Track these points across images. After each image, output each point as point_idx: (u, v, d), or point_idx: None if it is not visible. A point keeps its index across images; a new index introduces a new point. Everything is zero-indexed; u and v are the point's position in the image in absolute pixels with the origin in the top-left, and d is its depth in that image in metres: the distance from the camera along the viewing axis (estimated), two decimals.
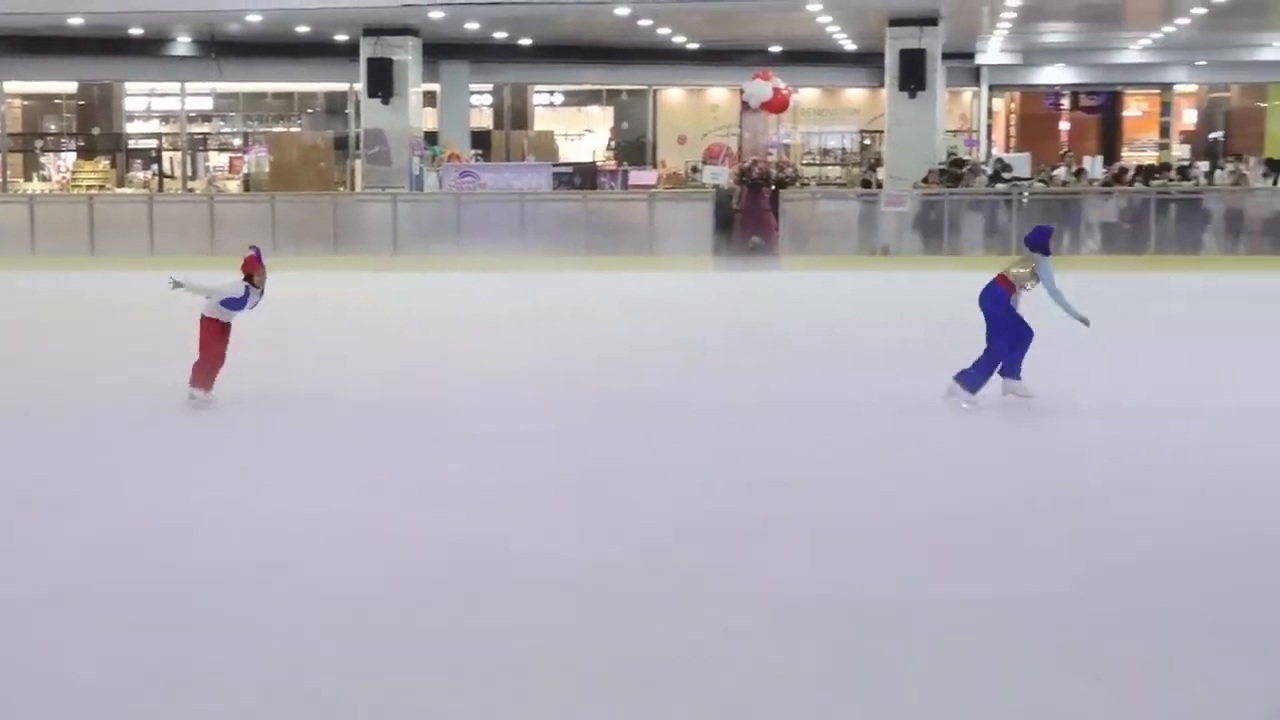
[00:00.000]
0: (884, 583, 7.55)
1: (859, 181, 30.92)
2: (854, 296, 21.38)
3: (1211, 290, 21.41)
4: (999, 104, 45.89)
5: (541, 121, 42.37)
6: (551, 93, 42.82)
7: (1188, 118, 46.59)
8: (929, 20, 28.13)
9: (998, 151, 38.92)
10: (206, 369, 12.42)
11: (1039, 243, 12.72)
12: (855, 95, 42.32)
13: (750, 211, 26.28)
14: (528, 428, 11.64)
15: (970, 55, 40.96)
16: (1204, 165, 30.34)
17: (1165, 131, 45.85)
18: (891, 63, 28.54)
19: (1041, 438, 11.58)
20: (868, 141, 40.79)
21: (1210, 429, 11.53)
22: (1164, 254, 24.99)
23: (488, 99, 41.16)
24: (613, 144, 41.89)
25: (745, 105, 29.27)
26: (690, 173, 32.81)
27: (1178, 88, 45.46)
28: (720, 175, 27.43)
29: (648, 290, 21.98)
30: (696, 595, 7.38)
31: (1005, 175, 27.79)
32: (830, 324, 18.37)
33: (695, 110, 41.84)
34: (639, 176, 30.26)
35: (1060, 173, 27.83)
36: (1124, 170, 29.35)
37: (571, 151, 39.37)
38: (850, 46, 36.45)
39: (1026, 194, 26.48)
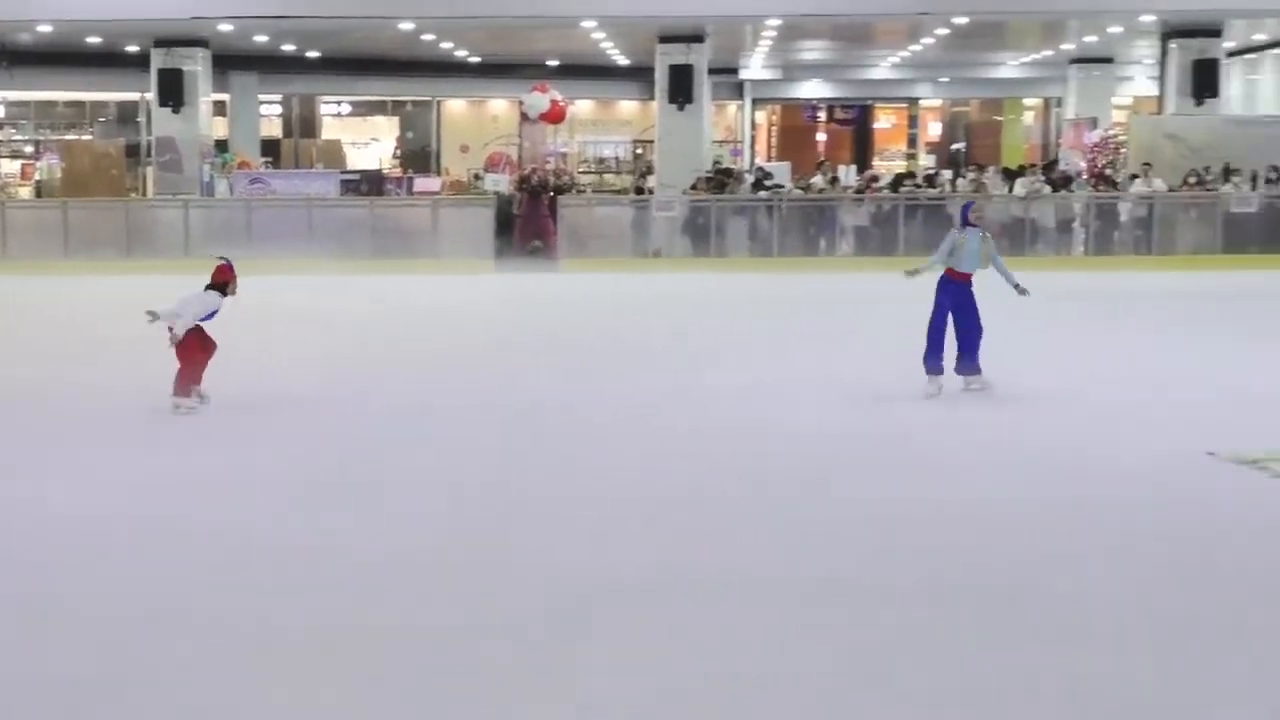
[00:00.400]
0: (646, 561, 8.23)
1: (633, 188, 31.65)
2: (629, 296, 21.94)
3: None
4: (761, 116, 47.12)
5: (329, 130, 42.31)
6: (339, 103, 42.79)
7: (933, 129, 48.39)
8: (696, 38, 28.99)
9: (760, 160, 40.03)
10: (186, 378, 12.28)
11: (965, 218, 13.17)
12: (628, 107, 43.12)
13: (530, 217, 26.73)
14: (309, 427, 11.82)
15: (735, 70, 42.00)
16: (948, 173, 31.63)
17: (913, 142, 47.60)
18: (661, 77, 29.31)
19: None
20: (640, 150, 41.52)
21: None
22: (912, 255, 26.10)
23: (277, 109, 41.00)
24: (398, 152, 42.03)
25: (524, 116, 29.73)
26: (472, 180, 33.08)
27: (923, 102, 47.22)
28: (501, 183, 27.81)
29: (430, 292, 22.22)
30: (472, 583, 7.59)
31: (767, 183, 28.73)
32: (605, 323, 18.89)
33: (477, 120, 42.21)
34: (423, 183, 30.47)
35: (817, 180, 28.78)
36: (875, 178, 30.60)
37: (359, 159, 39.37)
38: (623, 61, 37.17)
39: (785, 200, 27.47)
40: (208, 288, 12.43)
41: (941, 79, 44.95)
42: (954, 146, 46.74)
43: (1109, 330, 17.78)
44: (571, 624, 6.94)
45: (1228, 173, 26.76)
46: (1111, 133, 34.05)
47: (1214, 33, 28.76)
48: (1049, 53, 38.18)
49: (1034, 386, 13.47)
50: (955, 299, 12.88)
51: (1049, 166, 32.48)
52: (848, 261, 26.14)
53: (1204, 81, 28.65)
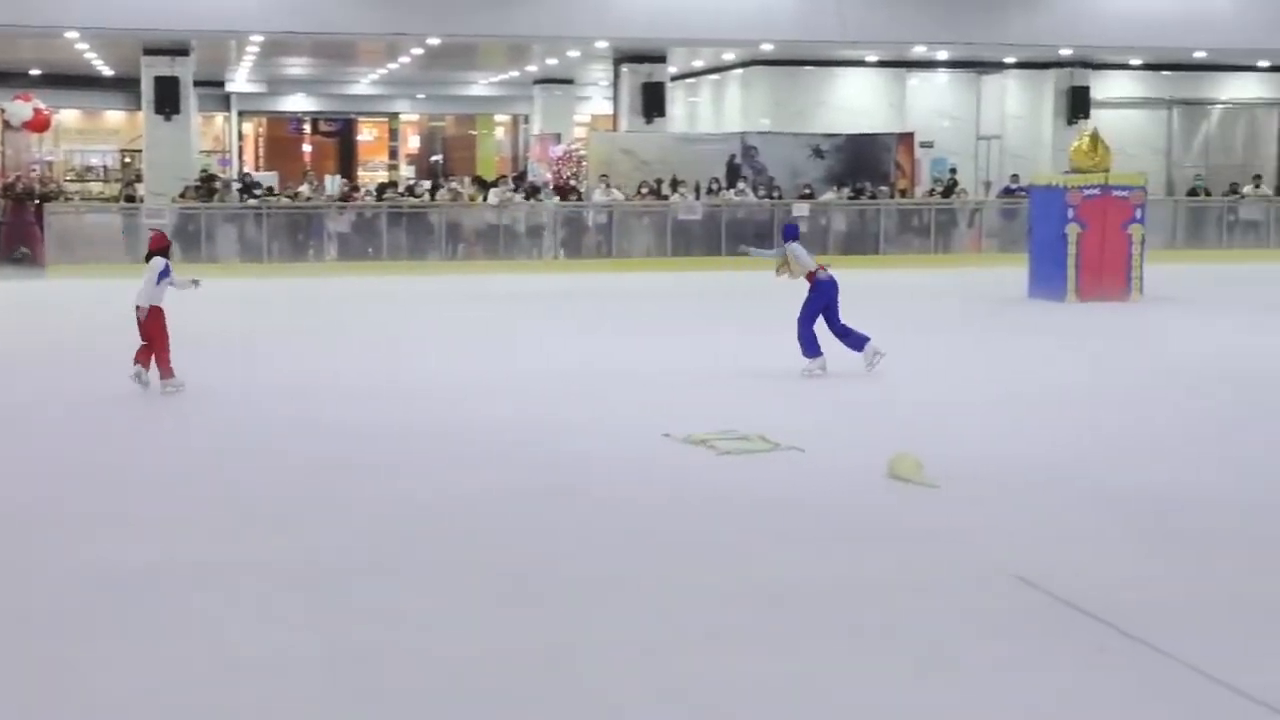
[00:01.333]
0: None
1: (121, 196, 30.17)
2: (118, 302, 20.88)
3: (441, 292, 22.68)
4: (249, 127, 45.96)
5: None
6: None
7: (412, 142, 48.57)
8: (180, 50, 27.92)
9: (248, 169, 39.01)
10: (168, 355, 12.59)
11: (792, 234, 14.54)
12: (115, 117, 41.09)
13: (15, 225, 25.11)
14: None
15: (221, 83, 40.78)
16: (427, 184, 31.80)
17: (394, 154, 47.62)
18: (147, 88, 28.06)
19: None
20: (128, 159, 39.66)
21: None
22: (396, 260, 26.16)
23: None
24: None
25: (7, 124, 27.82)
26: None
27: (403, 116, 47.31)
28: None
29: None
30: None
31: (255, 191, 28.04)
32: (93, 329, 17.96)
33: None
34: None
35: (304, 189, 28.36)
36: (357, 188, 30.42)
37: None
38: (108, 72, 35.33)
39: (273, 208, 26.89)
40: (149, 256, 12.81)
41: (419, 95, 45.16)
42: (433, 158, 47.07)
43: (579, 328, 18.32)
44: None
45: (675, 184, 28.13)
46: (574, 147, 35.15)
47: (660, 59, 30.18)
48: (516, 73, 38.99)
49: (510, 379, 13.74)
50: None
51: (519, 177, 33.23)
52: (331, 266, 25.90)
53: (652, 102, 30.01)
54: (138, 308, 12.77)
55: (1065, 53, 30.51)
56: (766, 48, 29.37)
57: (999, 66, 33.03)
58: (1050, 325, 18.53)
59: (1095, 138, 21.64)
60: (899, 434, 10.71)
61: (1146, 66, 33.74)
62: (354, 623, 6.68)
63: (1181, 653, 6.17)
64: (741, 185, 28.46)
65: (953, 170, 31.19)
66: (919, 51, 30.73)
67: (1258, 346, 16.24)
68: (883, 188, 29.25)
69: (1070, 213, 20.88)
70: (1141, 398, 12.92)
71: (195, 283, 13.34)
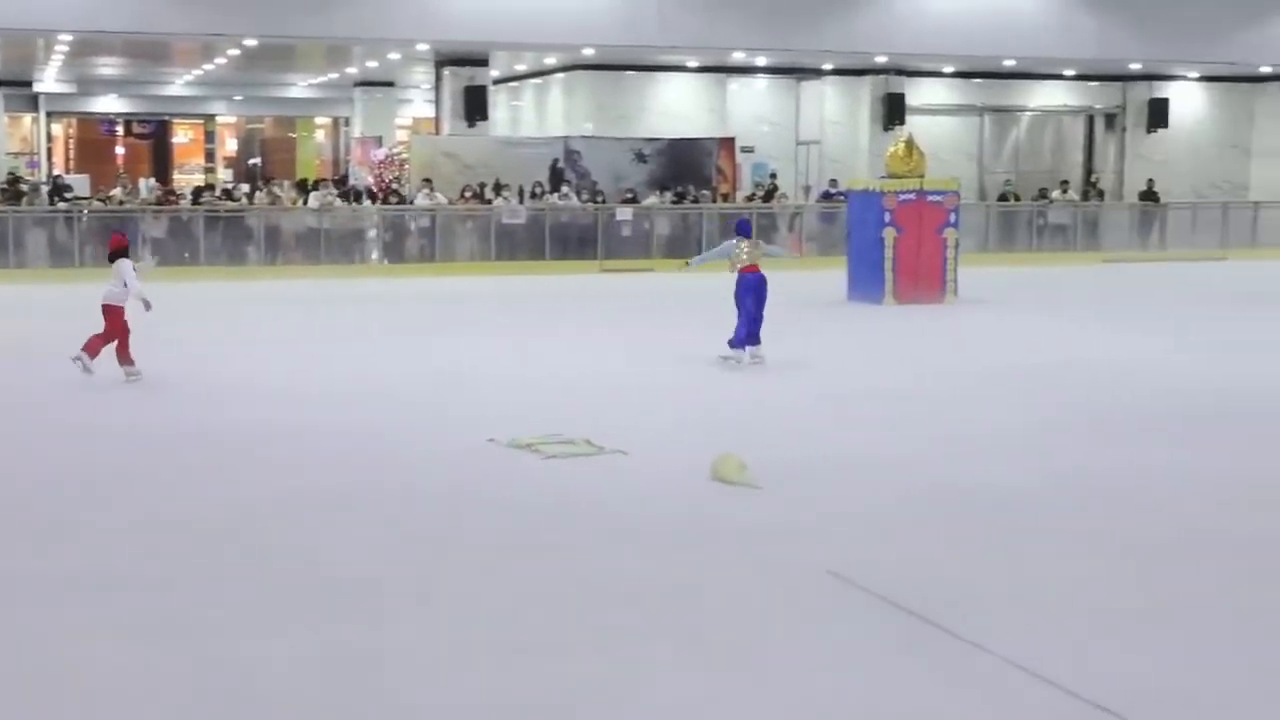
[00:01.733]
0: None
1: None
2: None
3: (260, 297, 22.28)
4: (58, 129, 44.64)
5: None
6: None
7: (230, 145, 47.67)
8: None
9: (58, 172, 37.86)
10: (127, 347, 13.57)
11: (745, 230, 15.65)
12: None
13: None
14: None
15: (29, 83, 39.54)
16: (245, 187, 31.25)
17: (210, 157, 46.69)
18: None
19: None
20: None
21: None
22: (214, 265, 25.61)
23: None
24: None
25: None
26: None
27: (220, 118, 46.44)
28: None
29: None
30: None
31: (66, 195, 27.23)
32: None
33: None
34: None
35: (117, 192, 27.63)
36: (173, 191, 29.72)
37: None
38: None
39: (86, 211, 26.15)
40: (114, 258, 13.79)
41: (236, 97, 44.37)
42: (251, 161, 46.26)
43: (402, 332, 18.15)
44: None
45: (498, 188, 28.05)
46: (396, 150, 34.87)
47: (482, 62, 30.09)
48: (336, 75, 38.53)
49: (329, 383, 13.59)
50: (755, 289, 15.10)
51: (340, 181, 32.84)
52: (149, 271, 25.17)
53: (475, 106, 29.89)
54: (105, 306, 13.61)
55: (881, 60, 31.21)
56: (588, 52, 29.49)
57: (817, 73, 33.65)
58: (869, 327, 18.93)
59: (910, 144, 22.14)
60: (723, 436, 10.84)
61: (959, 74, 34.70)
62: (134, 634, 6.55)
63: (993, 645, 6.37)
64: (565, 189, 28.52)
65: (773, 175, 31.67)
66: (739, 57, 31.14)
67: (1065, 346, 16.80)
68: (704, 192, 29.57)
69: (887, 217, 21.36)
70: (956, 397, 13.28)
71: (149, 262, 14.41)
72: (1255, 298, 23.04)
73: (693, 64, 32.47)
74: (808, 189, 32.94)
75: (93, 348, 13.49)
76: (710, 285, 23.99)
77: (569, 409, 12.34)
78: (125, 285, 13.62)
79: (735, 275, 15.31)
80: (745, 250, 15.33)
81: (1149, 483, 9.70)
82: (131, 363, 13.60)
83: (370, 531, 8.41)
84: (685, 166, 30.42)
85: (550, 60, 32.65)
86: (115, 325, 13.60)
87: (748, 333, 15.01)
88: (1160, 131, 35.78)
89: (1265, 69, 33.25)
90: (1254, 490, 9.55)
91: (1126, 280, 26.11)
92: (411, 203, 27.96)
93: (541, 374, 14.45)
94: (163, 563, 7.75)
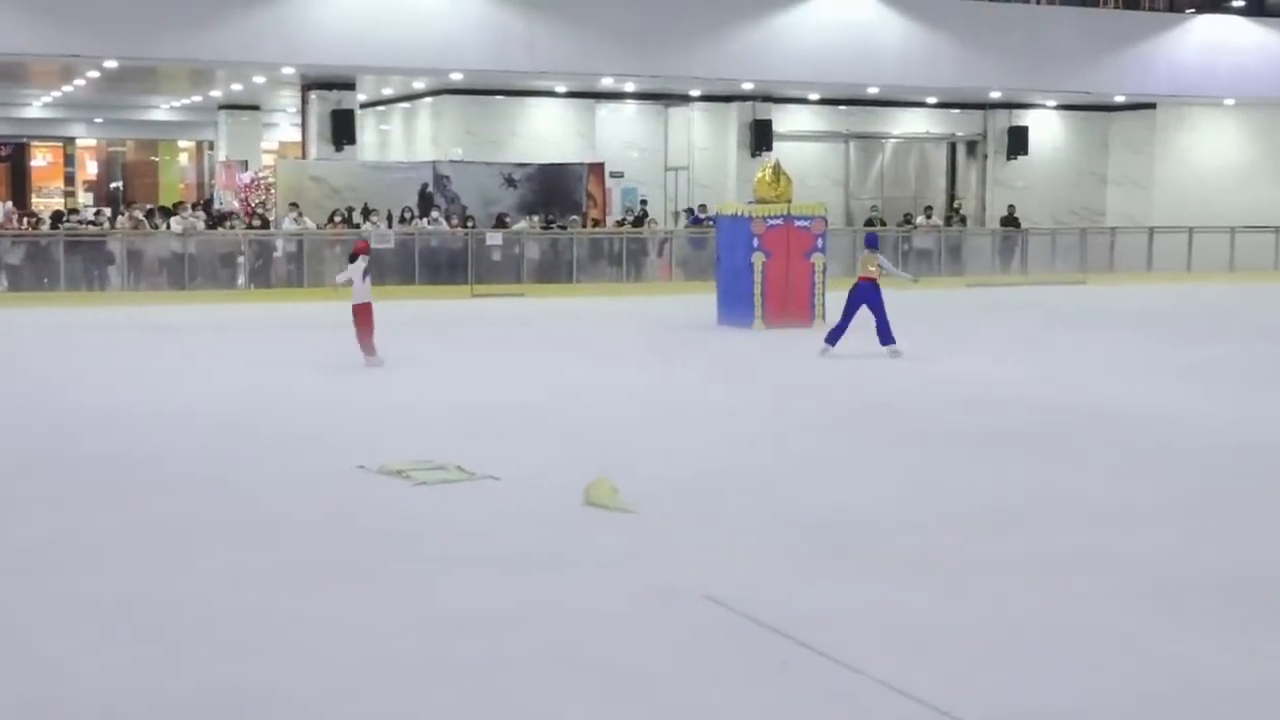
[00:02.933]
0: None
1: None
2: None
3: (121, 323, 21.86)
4: None
5: None
6: None
7: (90, 168, 46.74)
8: None
9: None
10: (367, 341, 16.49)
11: (873, 244, 18.77)
12: None
13: None
14: None
15: None
16: (108, 211, 30.67)
17: (70, 180, 45.72)
18: None
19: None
20: None
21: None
22: (74, 290, 25.09)
23: None
24: None
25: None
26: None
27: (80, 141, 45.50)
28: None
29: None
30: None
31: None
32: None
33: None
34: None
35: None
36: (31, 215, 29.05)
37: None
38: None
39: None
40: (351, 259, 16.93)
41: (97, 119, 43.53)
42: (112, 185, 45.40)
43: (270, 358, 17.92)
44: None
45: (367, 213, 27.85)
46: (262, 174, 34.46)
47: (349, 86, 29.89)
48: (199, 98, 37.98)
49: (194, 409, 13.37)
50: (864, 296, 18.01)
51: (205, 205, 32.36)
52: (5, 297, 24.65)
53: (342, 130, 29.68)
54: (355, 305, 16.56)
55: (748, 87, 31.60)
56: (457, 77, 29.45)
57: (685, 99, 33.95)
58: (739, 351, 19.11)
59: (777, 169, 22.44)
60: (597, 460, 10.87)
61: (824, 101, 35.24)
62: None
63: (863, 665, 6.47)
64: (435, 214, 28.41)
65: (643, 200, 31.88)
66: (608, 83, 31.30)
67: (926, 369, 17.12)
68: (574, 217, 29.66)
69: (756, 242, 21.60)
70: (820, 418, 13.45)
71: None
72: (1108, 319, 23.72)
73: (562, 89, 32.58)
74: (677, 214, 33.22)
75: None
76: (587, 308, 24.10)
77: (441, 434, 12.28)
78: (363, 281, 16.42)
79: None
80: (866, 262, 18.25)
81: (1002, 502, 9.92)
82: (374, 352, 16.39)
83: (230, 560, 8.28)
84: (555, 191, 30.51)
85: (419, 84, 32.54)
86: (363, 320, 16.33)
87: (880, 332, 18.01)
88: (1020, 158, 36.70)
89: (1119, 98, 34.30)
90: (1094, 510, 9.81)
91: (989, 303, 26.72)
92: (278, 227, 27.64)
93: (412, 399, 14.36)
94: (5, 593, 7.59)
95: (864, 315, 17.92)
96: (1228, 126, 36.22)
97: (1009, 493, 10.23)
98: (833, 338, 18.17)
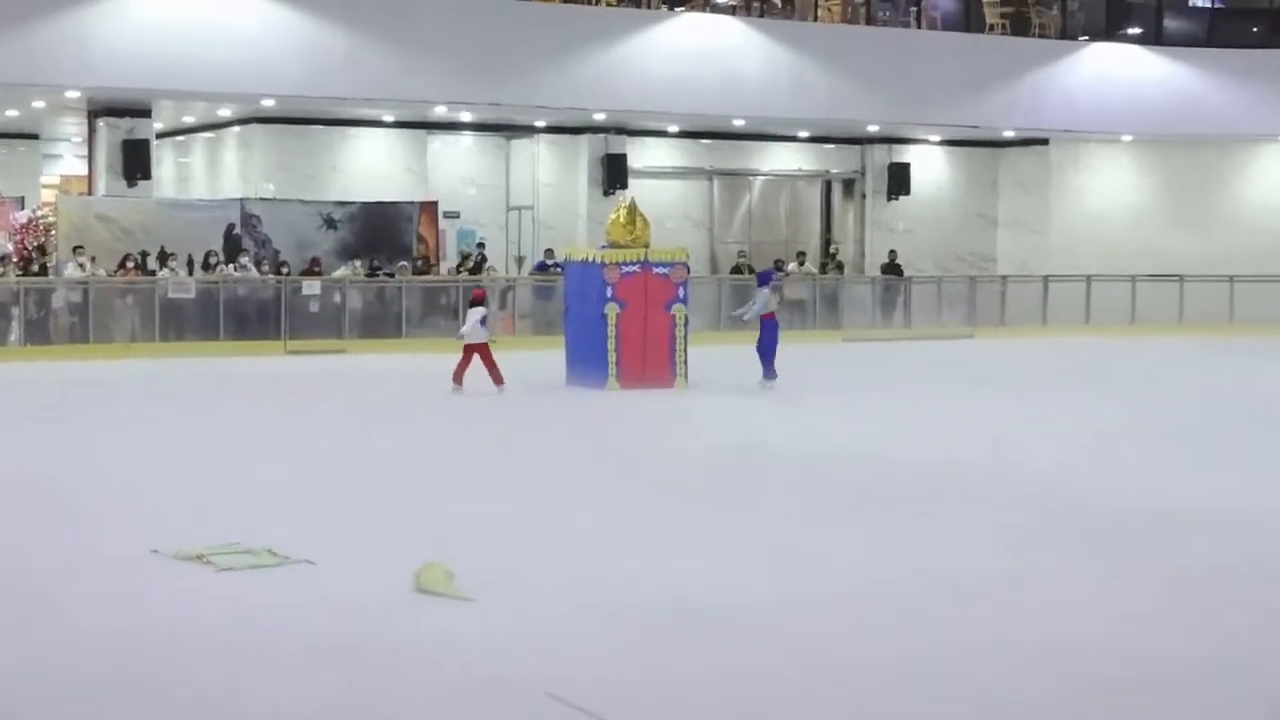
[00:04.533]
0: None
1: None
2: None
3: None
4: None
5: None
6: None
7: None
8: None
9: None
10: (497, 369, 20.76)
11: (766, 278, 22.89)
12: None
13: None
14: None
15: None
16: None
17: None
18: None
19: None
20: None
21: None
22: None
23: None
24: None
25: None
26: None
27: None
28: None
29: None
30: None
31: None
32: None
33: None
34: None
35: None
36: None
37: None
38: None
39: None
40: (471, 305, 21.19)
41: None
42: None
43: (47, 424, 17.61)
44: None
45: (164, 257, 27.52)
46: (40, 213, 33.81)
47: (144, 113, 29.58)
48: None
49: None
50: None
51: None
52: None
53: (135, 162, 29.33)
54: (468, 345, 20.69)
55: (599, 118, 31.91)
56: (268, 103, 29.32)
57: (530, 130, 34.16)
58: (589, 415, 19.24)
59: (633, 209, 22.61)
60: (428, 540, 10.87)
61: (685, 134, 35.67)
62: None
63: None
64: (243, 259, 28.16)
65: (481, 244, 31.95)
66: (440, 112, 31.40)
67: (798, 430, 17.41)
68: (403, 263, 29.58)
69: (609, 291, 21.72)
70: (683, 488, 13.59)
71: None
72: (998, 375, 24.35)
73: (389, 118, 32.60)
74: (520, 260, 33.30)
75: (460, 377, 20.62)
76: (418, 366, 24.02)
77: (248, 511, 12.18)
78: (482, 326, 20.85)
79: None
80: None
81: (880, 576, 10.14)
82: (502, 381, 20.86)
83: None
84: (381, 233, 30.44)
85: (224, 111, 32.30)
86: (483, 357, 20.79)
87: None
88: (902, 198, 37.26)
89: (1008, 133, 35.29)
90: (976, 586, 10.07)
91: (868, 358, 27.22)
92: (59, 274, 27.16)
93: (217, 472, 14.21)
94: None
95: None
96: (1125, 164, 37.31)
97: (885, 568, 10.45)
98: (768, 371, 21.86)
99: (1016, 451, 16.15)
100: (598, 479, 14.26)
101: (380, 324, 28.49)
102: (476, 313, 20.84)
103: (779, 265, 32.29)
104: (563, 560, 10.64)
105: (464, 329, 21.06)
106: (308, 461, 15.10)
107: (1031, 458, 15.71)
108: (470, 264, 30.47)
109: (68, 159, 39.95)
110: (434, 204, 31.86)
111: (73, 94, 27.85)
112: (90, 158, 30.81)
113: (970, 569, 10.52)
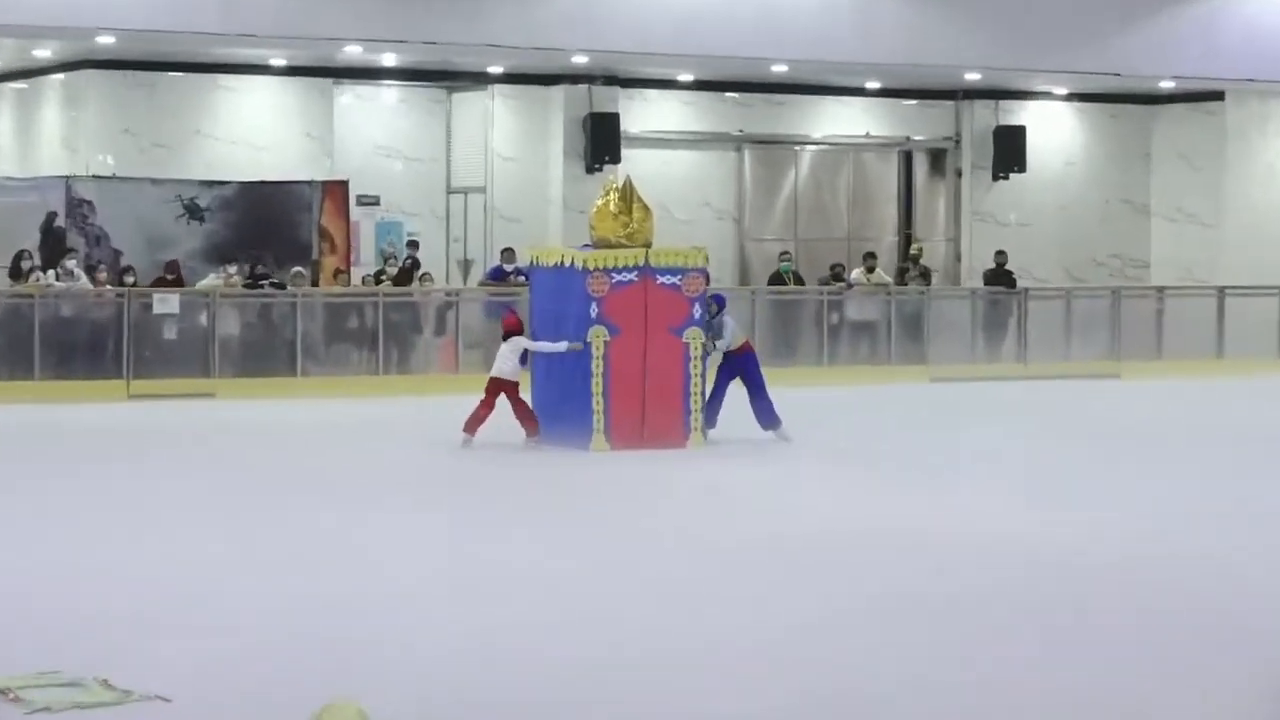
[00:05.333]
0: None
1: None
2: None
3: None
4: None
5: None
6: None
7: None
8: None
9: None
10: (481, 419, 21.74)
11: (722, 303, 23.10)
12: None
13: None
14: None
15: None
16: None
17: None
18: None
19: None
20: None
21: None
22: None
23: None
24: None
25: None
26: None
27: None
28: None
29: None
30: None
31: None
32: None
33: None
34: None
35: None
36: None
37: None
38: None
39: None
40: (505, 337, 21.98)
41: None
42: None
43: None
44: None
45: None
46: None
47: None
48: None
49: None
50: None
51: None
52: None
53: None
54: (496, 379, 21.64)
55: (580, 61, 31.81)
56: (106, 40, 29.28)
57: (479, 79, 34.07)
58: (564, 488, 19.17)
59: (628, 193, 22.44)
60: (331, 670, 10.84)
61: (702, 85, 35.56)
62: None
63: None
64: (69, 263, 28.11)
65: (412, 242, 31.86)
66: (353, 54, 31.29)
67: (862, 509, 17.31)
68: (299, 269, 29.49)
69: (594, 309, 21.58)
70: (693, 587, 13.59)
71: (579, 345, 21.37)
72: (1154, 432, 24.16)
73: (279, 62, 32.60)
74: (467, 265, 33.26)
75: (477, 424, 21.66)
76: (319, 418, 23.94)
77: (76, 632, 12.14)
78: (521, 364, 21.99)
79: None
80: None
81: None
82: (536, 431, 21.85)
83: None
84: (267, 227, 30.45)
85: (43, 52, 32.32)
86: (513, 397, 21.84)
87: (759, 412, 22.42)
88: (1014, 177, 37.19)
89: (1166, 84, 35.17)
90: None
91: (963, 407, 27.09)
92: None
93: (29, 574, 14.18)
94: None
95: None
96: None
97: (994, 693, 10.44)
98: (710, 417, 22.32)
99: (1187, 539, 16.01)
100: (581, 573, 14.16)
101: (268, 358, 28.44)
102: (515, 346, 21.85)
103: (837, 274, 32.15)
104: (526, 689, 10.59)
105: (504, 368, 21.75)
106: (159, 557, 15.03)
107: (1239, 569, 15.38)
108: (395, 270, 30.37)
109: None
110: (343, 184, 31.79)
111: None
112: None
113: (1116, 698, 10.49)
